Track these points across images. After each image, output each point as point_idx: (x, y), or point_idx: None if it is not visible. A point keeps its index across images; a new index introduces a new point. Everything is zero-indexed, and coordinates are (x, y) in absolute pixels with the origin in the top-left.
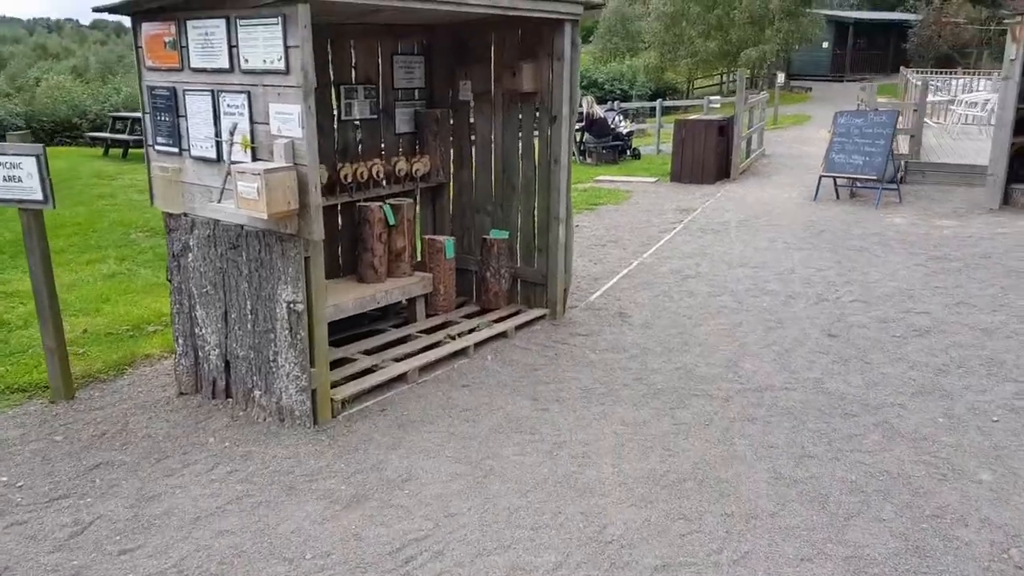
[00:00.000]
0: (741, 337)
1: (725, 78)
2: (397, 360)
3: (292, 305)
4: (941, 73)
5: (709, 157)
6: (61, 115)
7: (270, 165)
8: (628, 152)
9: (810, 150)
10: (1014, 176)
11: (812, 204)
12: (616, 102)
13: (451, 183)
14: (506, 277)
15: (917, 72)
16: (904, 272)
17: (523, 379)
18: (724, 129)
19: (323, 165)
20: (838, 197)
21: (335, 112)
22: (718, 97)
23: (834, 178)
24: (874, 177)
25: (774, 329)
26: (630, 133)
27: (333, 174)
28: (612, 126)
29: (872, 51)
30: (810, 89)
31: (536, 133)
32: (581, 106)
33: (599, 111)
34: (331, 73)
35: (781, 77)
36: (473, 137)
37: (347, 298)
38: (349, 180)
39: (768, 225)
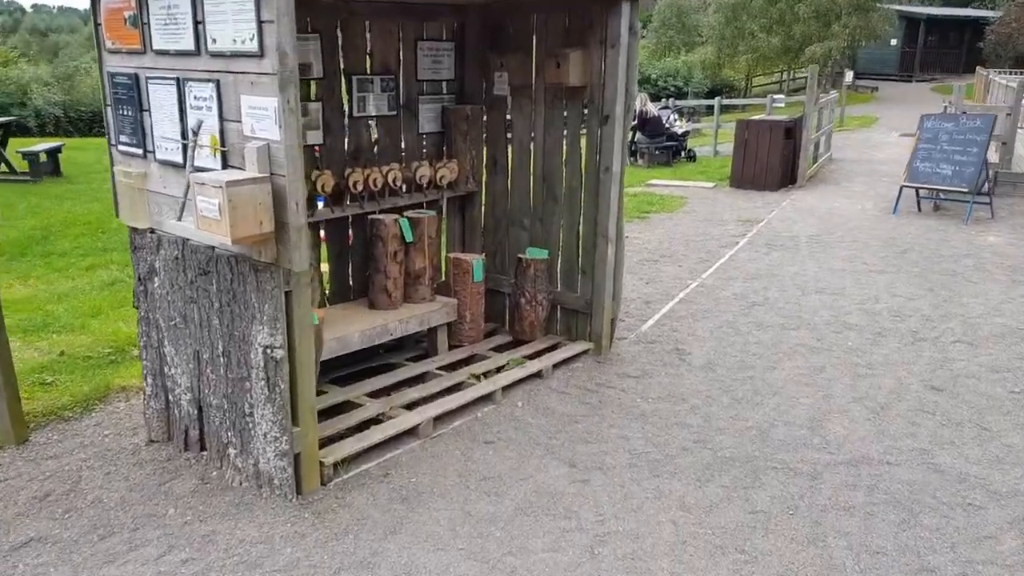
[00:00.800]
0: (825, 386)
1: (785, 75)
2: (409, 407)
3: (269, 351)
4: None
5: (774, 161)
6: (99, 105)
7: (237, 175)
8: (683, 154)
9: (880, 155)
10: None
11: (891, 218)
12: (671, 99)
13: (483, 192)
14: (544, 304)
15: (998, 72)
16: (1010, 306)
17: (559, 434)
18: (791, 131)
19: (328, 171)
20: (920, 210)
21: (345, 107)
22: (782, 96)
23: (917, 189)
24: (964, 189)
25: (864, 377)
26: (685, 133)
27: (341, 181)
28: (667, 125)
29: (944, 49)
30: (876, 89)
31: (584, 135)
32: (635, 104)
33: (653, 109)
34: (341, 61)
35: (849, 76)
36: (510, 138)
37: (352, 329)
38: (360, 188)
39: (844, 241)
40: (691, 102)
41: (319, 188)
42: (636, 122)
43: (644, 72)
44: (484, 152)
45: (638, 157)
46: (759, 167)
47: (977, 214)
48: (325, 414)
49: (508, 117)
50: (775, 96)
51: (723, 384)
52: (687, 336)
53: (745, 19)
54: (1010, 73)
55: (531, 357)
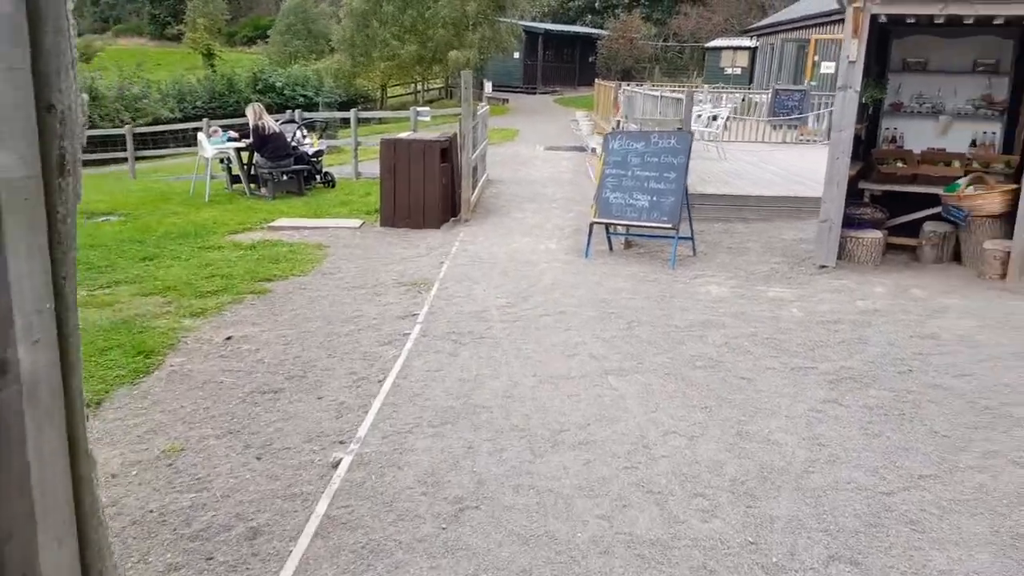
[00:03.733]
0: None
1: (420, 86)
2: None
3: None
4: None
5: (432, 190)
6: None
7: None
8: (318, 178)
9: (536, 174)
10: (845, 220)
11: (584, 262)
12: (298, 111)
13: None
14: None
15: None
16: (821, 422)
17: None
18: (447, 152)
19: None
20: (611, 248)
21: None
22: (427, 109)
23: (607, 226)
24: (667, 225)
25: None
26: (319, 153)
27: None
28: (293, 144)
29: (560, 63)
30: (507, 100)
31: None
32: (248, 116)
33: (272, 123)
34: None
35: (489, 86)
36: None
37: None
38: None
39: (549, 314)
40: (323, 114)
41: None
42: (252, 140)
43: (268, 80)
44: None
45: (260, 186)
46: (415, 199)
47: (681, 251)
48: None
49: None
50: (420, 109)
51: None
52: None
53: (376, 26)
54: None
55: None
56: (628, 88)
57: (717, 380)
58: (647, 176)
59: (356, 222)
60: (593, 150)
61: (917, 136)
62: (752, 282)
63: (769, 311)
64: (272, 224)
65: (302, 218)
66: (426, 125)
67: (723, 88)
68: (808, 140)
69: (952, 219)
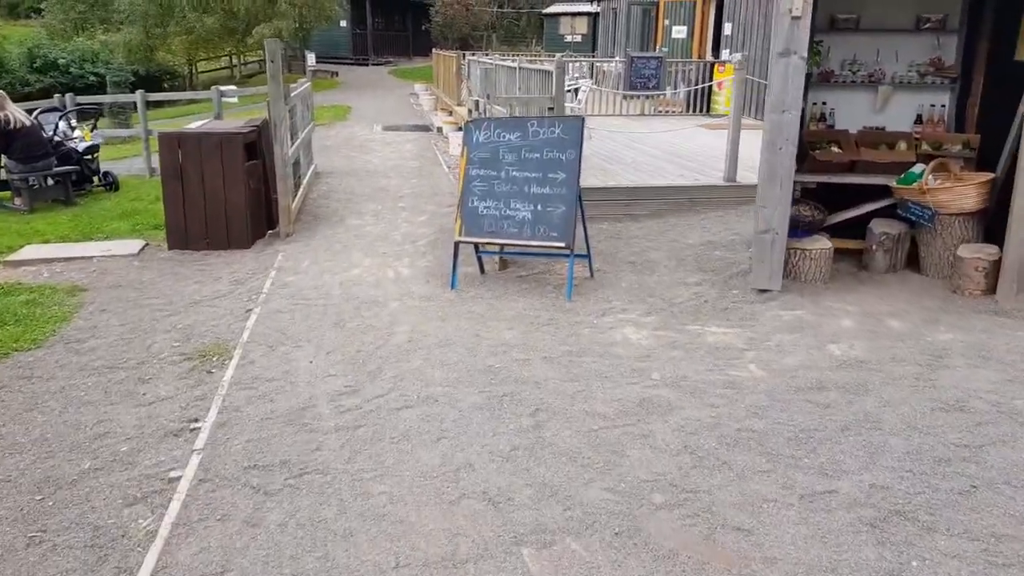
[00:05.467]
0: None
1: (236, 60)
2: None
3: None
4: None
5: (237, 198)
6: None
7: None
8: (95, 181)
9: (377, 161)
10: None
11: (451, 297)
12: (69, 95)
13: None
14: None
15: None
16: None
17: None
18: (255, 145)
19: None
20: (483, 271)
21: None
22: (234, 88)
23: (477, 245)
24: (560, 244)
25: None
26: (92, 148)
27: None
28: (56, 138)
29: (392, 31)
30: (336, 74)
31: None
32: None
33: (21, 115)
34: None
35: (312, 58)
36: None
37: None
38: None
39: (409, 403)
40: (102, 98)
41: None
42: None
43: (49, 56)
44: None
45: (13, 197)
46: (214, 211)
47: (577, 272)
48: None
49: None
50: (225, 88)
51: None
52: None
53: None
54: (477, 55)
55: None
56: (479, 59)
57: (697, 538)
58: (527, 178)
59: (136, 244)
60: (439, 130)
61: (850, 112)
62: (679, 319)
63: (720, 372)
64: (13, 257)
65: (61, 243)
66: (232, 108)
67: (572, 57)
68: (667, 112)
69: (910, 217)
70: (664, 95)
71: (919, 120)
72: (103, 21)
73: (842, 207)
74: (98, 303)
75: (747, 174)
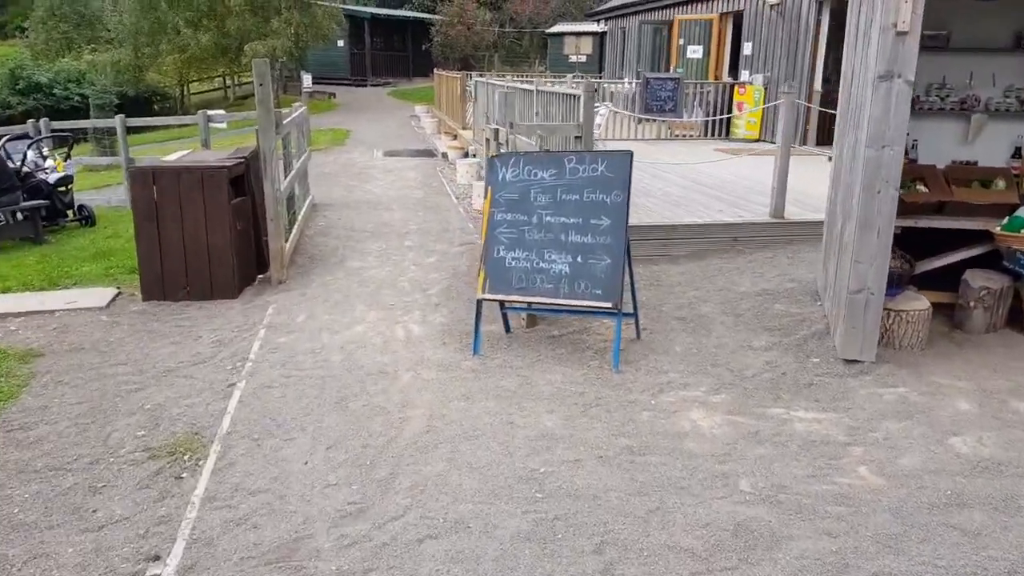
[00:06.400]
0: None
1: (230, 81)
2: None
3: None
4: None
5: (220, 241)
6: None
7: None
8: (68, 215)
9: (379, 191)
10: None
11: (473, 365)
12: (44, 120)
13: None
14: None
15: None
16: None
17: None
18: (243, 179)
19: None
20: (508, 330)
21: None
22: (222, 112)
23: (503, 303)
24: (607, 305)
25: None
26: (65, 180)
27: None
28: (24, 169)
29: (391, 51)
30: (334, 95)
31: None
32: None
33: None
34: None
35: (308, 80)
36: None
37: None
38: None
39: (434, 533)
40: (83, 123)
41: None
42: None
43: (32, 78)
44: None
45: None
46: (195, 256)
47: (625, 336)
48: None
49: None
50: (213, 113)
51: None
52: None
53: (166, 9)
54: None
55: None
56: (490, 80)
57: None
58: (564, 224)
59: (106, 295)
60: (444, 155)
61: (936, 143)
62: (755, 398)
63: (825, 479)
64: None
65: (22, 291)
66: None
67: (581, 78)
68: (684, 136)
69: (1019, 270)
70: (682, 119)
71: (1017, 154)
72: (90, 41)
73: (927, 254)
74: (54, 372)
75: (794, 209)
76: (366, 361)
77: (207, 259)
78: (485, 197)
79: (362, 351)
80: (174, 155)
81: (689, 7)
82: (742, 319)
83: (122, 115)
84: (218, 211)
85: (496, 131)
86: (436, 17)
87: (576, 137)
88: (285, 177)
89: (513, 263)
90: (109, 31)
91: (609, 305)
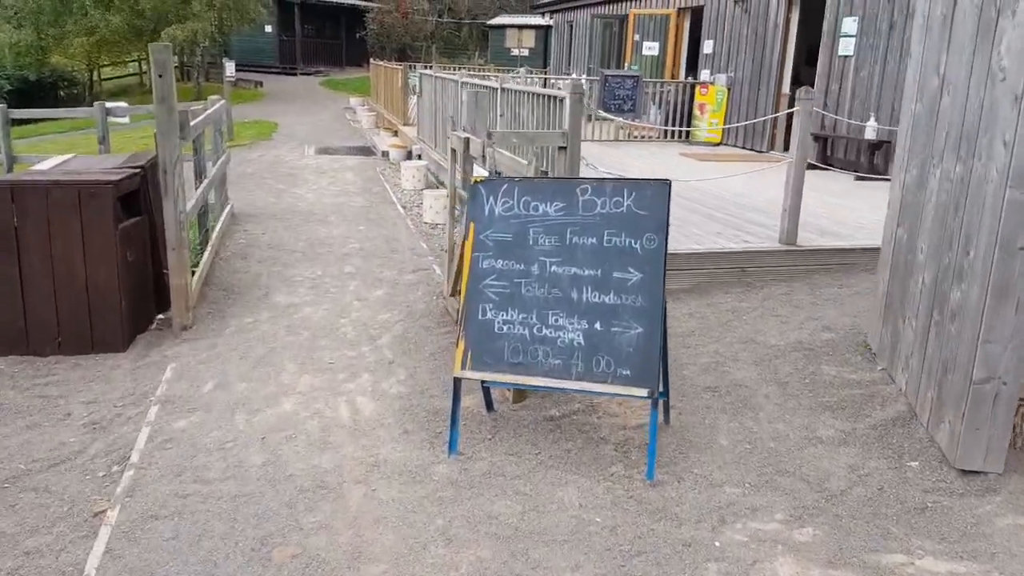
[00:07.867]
0: None
1: (145, 66)
2: None
3: None
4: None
5: (103, 277)
6: None
7: None
8: None
9: (311, 198)
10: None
11: (457, 479)
12: None
13: None
14: None
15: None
16: None
17: None
18: (138, 195)
19: None
20: (491, 409)
21: None
22: (124, 104)
23: (487, 387)
24: (640, 392)
25: None
26: None
27: None
28: None
29: (322, 39)
30: (261, 84)
31: None
32: None
33: None
34: None
35: (231, 67)
36: None
37: None
38: None
39: None
40: None
41: None
42: None
43: None
44: None
45: None
46: (67, 299)
47: (661, 431)
48: None
49: None
50: (112, 105)
51: None
52: None
53: None
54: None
55: None
56: (449, 76)
57: None
58: (576, 277)
59: None
60: (385, 154)
61: None
62: (857, 535)
63: None
64: None
65: None
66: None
67: (532, 73)
68: (643, 137)
69: None
70: (643, 119)
71: None
72: None
73: None
74: None
75: (809, 235)
76: (298, 465)
77: (86, 301)
78: (466, 237)
79: (291, 446)
80: (48, 162)
81: (646, 1)
82: (789, 390)
83: (3, 105)
84: (101, 238)
85: (466, 142)
86: (372, 4)
87: (560, 147)
88: (197, 188)
89: (505, 328)
90: (6, 8)
91: (644, 393)
